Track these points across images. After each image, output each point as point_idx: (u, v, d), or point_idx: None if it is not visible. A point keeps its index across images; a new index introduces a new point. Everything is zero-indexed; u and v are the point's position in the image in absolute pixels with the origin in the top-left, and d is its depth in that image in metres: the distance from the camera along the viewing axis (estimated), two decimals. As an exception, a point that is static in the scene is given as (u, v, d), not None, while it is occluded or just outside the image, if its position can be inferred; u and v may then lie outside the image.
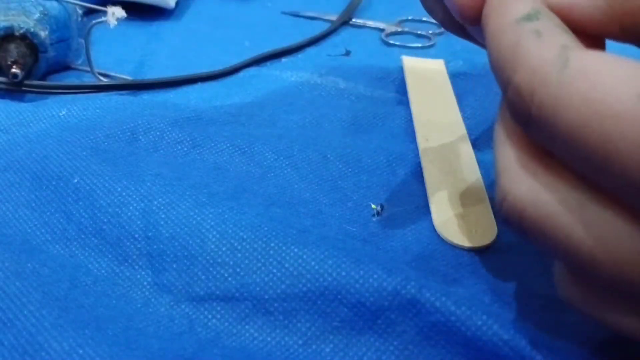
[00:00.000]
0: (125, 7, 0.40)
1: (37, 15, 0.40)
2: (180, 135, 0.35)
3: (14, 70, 0.38)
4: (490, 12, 0.21)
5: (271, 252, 0.26)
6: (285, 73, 0.45)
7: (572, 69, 0.17)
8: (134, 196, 0.29)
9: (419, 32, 0.55)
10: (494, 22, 0.21)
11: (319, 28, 0.54)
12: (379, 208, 0.31)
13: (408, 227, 0.30)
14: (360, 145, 0.36)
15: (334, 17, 0.57)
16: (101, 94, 0.40)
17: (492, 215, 0.30)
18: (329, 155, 0.35)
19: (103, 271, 0.27)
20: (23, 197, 0.30)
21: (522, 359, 0.22)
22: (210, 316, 0.25)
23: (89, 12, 0.47)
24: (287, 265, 0.25)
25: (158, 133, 0.35)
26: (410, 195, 0.32)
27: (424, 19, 0.57)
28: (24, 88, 0.39)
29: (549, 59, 0.18)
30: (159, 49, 0.49)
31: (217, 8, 0.59)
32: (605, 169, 0.17)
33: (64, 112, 0.36)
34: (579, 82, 0.17)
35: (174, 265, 0.26)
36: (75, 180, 0.30)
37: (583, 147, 0.17)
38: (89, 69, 0.42)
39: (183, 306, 0.25)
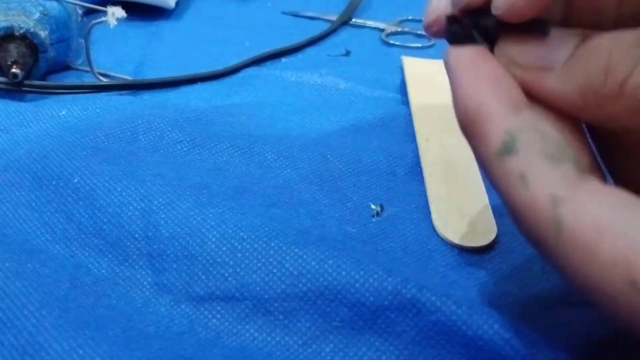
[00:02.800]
0: (125, 7, 0.40)
1: (37, 15, 0.40)
2: (180, 135, 0.35)
3: (14, 70, 0.38)
4: (468, 134, 0.20)
5: (271, 252, 0.26)
6: (285, 73, 0.45)
7: (566, 234, 0.18)
8: (134, 196, 0.29)
9: (419, 32, 0.55)
10: (477, 149, 0.20)
11: (319, 28, 0.54)
12: (378, 208, 0.31)
13: (408, 227, 0.30)
14: (360, 145, 0.36)
15: (334, 17, 0.57)
16: (101, 94, 0.40)
17: (492, 215, 0.30)
18: (328, 156, 0.35)
19: (103, 271, 0.27)
20: (23, 197, 0.30)
21: (522, 359, 0.22)
22: (210, 316, 0.25)
23: (89, 12, 0.47)
24: (287, 265, 0.25)
25: (158, 133, 0.35)
26: (410, 195, 0.32)
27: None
28: (24, 88, 0.39)
29: (543, 221, 0.18)
30: (159, 49, 0.49)
31: (217, 8, 0.59)
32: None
33: (64, 112, 0.36)
34: (575, 254, 0.18)
35: (174, 265, 0.26)
36: (75, 180, 0.30)
37: (584, 294, 0.18)
38: (89, 69, 0.42)
39: (183, 306, 0.25)
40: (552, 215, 0.18)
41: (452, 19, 0.22)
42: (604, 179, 0.20)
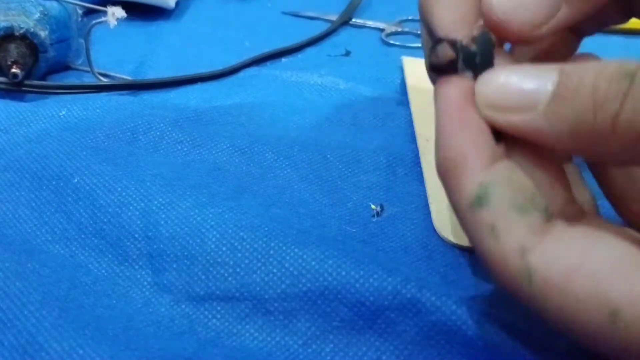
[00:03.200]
0: (125, 7, 0.40)
1: (37, 15, 0.40)
2: (180, 135, 0.35)
3: (14, 70, 0.38)
4: (444, 183, 0.21)
5: (271, 252, 0.26)
6: (285, 73, 0.45)
7: (539, 283, 0.18)
8: (134, 196, 0.29)
9: (419, 32, 0.55)
10: (451, 197, 0.20)
11: (319, 28, 0.54)
12: (378, 208, 0.31)
13: (408, 227, 0.30)
14: (360, 145, 0.36)
15: (334, 17, 0.57)
16: (101, 94, 0.40)
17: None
18: (328, 156, 0.35)
19: (103, 271, 0.27)
20: (23, 197, 0.30)
21: (522, 358, 0.22)
22: (210, 316, 0.25)
23: (89, 12, 0.47)
24: (287, 265, 0.25)
25: (158, 133, 0.35)
26: (410, 195, 0.32)
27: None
28: (24, 88, 0.39)
29: (514, 272, 0.19)
30: (159, 49, 0.49)
31: (217, 8, 0.59)
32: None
33: (64, 112, 0.36)
34: (550, 298, 0.18)
35: (174, 265, 0.26)
36: (75, 180, 0.30)
37: (566, 333, 0.19)
38: (89, 69, 0.42)
39: (183, 306, 0.25)
40: (522, 264, 0.19)
41: (435, 47, 0.22)
42: (580, 212, 0.21)
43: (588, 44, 0.53)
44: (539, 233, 0.19)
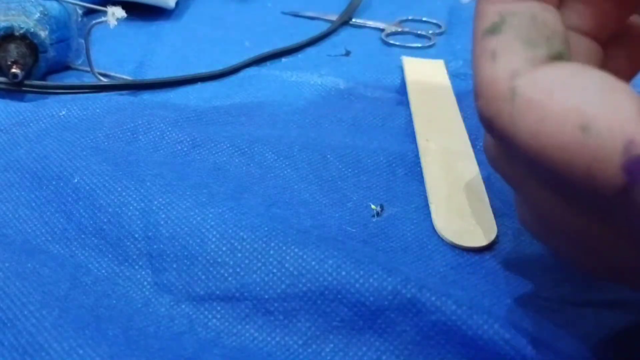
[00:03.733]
0: (125, 7, 0.40)
1: (37, 15, 0.40)
2: (180, 135, 0.35)
3: (14, 70, 0.38)
4: (474, 15, 0.21)
5: (271, 252, 0.26)
6: (285, 73, 0.45)
7: (519, 101, 0.18)
8: (134, 196, 0.29)
9: (419, 32, 0.55)
10: (473, 27, 0.21)
11: (319, 28, 0.54)
12: (378, 209, 0.31)
13: (408, 227, 0.30)
14: (360, 145, 0.36)
15: (334, 17, 0.57)
16: (101, 94, 0.40)
17: (492, 215, 0.30)
18: (328, 156, 0.35)
19: (103, 271, 0.27)
20: (23, 197, 0.30)
21: (523, 358, 0.22)
22: (210, 316, 0.25)
23: (89, 12, 0.47)
24: (287, 265, 0.25)
25: (158, 133, 0.35)
26: (410, 195, 0.32)
27: (424, 19, 0.57)
28: (24, 88, 0.39)
29: (500, 92, 0.19)
30: (159, 49, 0.49)
31: (217, 8, 0.59)
32: (557, 187, 0.19)
33: (64, 112, 0.36)
34: (527, 116, 0.18)
35: (174, 265, 0.26)
36: (75, 180, 0.30)
37: (538, 169, 0.19)
38: (89, 69, 0.42)
39: (183, 306, 0.25)
40: (509, 85, 0.19)
41: None
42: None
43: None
44: (536, 65, 0.19)
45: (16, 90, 0.39)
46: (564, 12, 0.21)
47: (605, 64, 0.22)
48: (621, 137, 0.16)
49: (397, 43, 0.53)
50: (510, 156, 0.21)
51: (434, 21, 0.56)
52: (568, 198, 0.19)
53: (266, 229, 0.27)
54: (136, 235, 0.28)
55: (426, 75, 0.45)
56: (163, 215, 0.28)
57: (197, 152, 0.34)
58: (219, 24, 0.56)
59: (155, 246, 0.27)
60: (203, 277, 0.26)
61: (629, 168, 0.16)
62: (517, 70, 0.19)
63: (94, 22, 0.41)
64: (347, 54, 0.50)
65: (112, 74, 0.43)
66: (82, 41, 0.43)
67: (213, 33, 0.53)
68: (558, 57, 0.19)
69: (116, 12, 0.40)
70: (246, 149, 0.34)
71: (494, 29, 0.20)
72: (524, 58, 0.19)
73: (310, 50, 0.51)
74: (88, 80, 0.42)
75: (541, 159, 0.18)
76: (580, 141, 0.17)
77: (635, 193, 0.17)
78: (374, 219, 0.30)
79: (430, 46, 0.52)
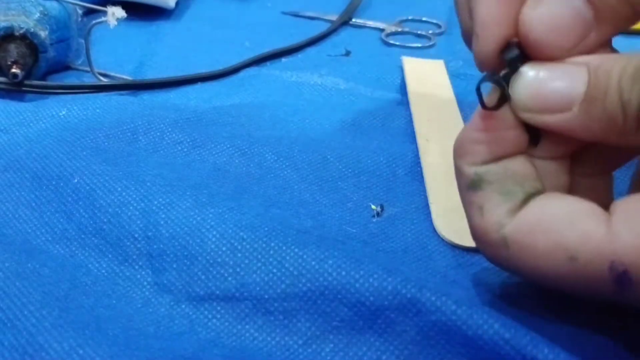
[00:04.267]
0: (125, 7, 0.40)
1: (37, 15, 0.40)
2: (180, 136, 0.35)
3: (14, 70, 0.38)
4: (454, 164, 0.24)
5: (271, 252, 0.26)
6: (285, 73, 0.45)
7: (512, 246, 0.22)
8: (134, 196, 0.29)
9: (419, 32, 0.55)
10: (456, 177, 0.24)
11: (319, 28, 0.54)
12: (378, 209, 0.31)
13: (408, 227, 0.30)
14: (360, 145, 0.36)
15: (334, 17, 0.57)
16: (101, 94, 0.40)
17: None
18: (328, 156, 0.35)
19: (103, 271, 0.27)
20: (23, 197, 0.30)
21: (523, 358, 0.22)
22: (210, 316, 0.25)
23: (89, 12, 0.47)
24: (287, 265, 0.25)
25: (158, 134, 0.35)
26: (410, 195, 0.32)
27: (424, 19, 0.57)
28: (24, 88, 0.39)
29: (493, 241, 0.22)
30: (159, 49, 0.49)
31: (217, 8, 0.59)
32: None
33: (64, 112, 0.36)
34: (521, 257, 0.22)
35: (174, 265, 0.26)
36: (75, 180, 0.30)
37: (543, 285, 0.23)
38: (89, 69, 0.42)
39: (183, 306, 0.25)
40: (499, 235, 0.22)
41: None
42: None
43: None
44: (517, 210, 0.22)
45: (16, 90, 0.39)
46: (579, 165, 0.24)
47: (575, 171, 0.24)
48: (605, 260, 0.20)
49: (397, 43, 0.53)
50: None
51: (434, 21, 0.56)
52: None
53: (266, 229, 0.27)
54: (136, 235, 0.28)
55: (426, 75, 0.45)
56: (163, 215, 0.28)
57: (197, 152, 0.34)
58: (219, 24, 0.56)
59: (155, 246, 0.27)
60: (203, 277, 0.26)
61: (618, 281, 0.20)
62: (502, 222, 0.22)
63: (94, 22, 0.41)
64: (347, 54, 0.50)
65: (112, 74, 0.43)
66: (82, 41, 0.43)
67: (213, 33, 0.53)
68: (532, 196, 0.22)
69: (116, 12, 0.40)
70: (246, 150, 0.34)
71: (475, 186, 0.23)
72: (506, 209, 0.22)
73: (310, 50, 0.51)
74: (88, 80, 0.42)
75: (542, 285, 0.22)
76: (572, 270, 0.20)
77: (628, 295, 0.20)
78: (374, 219, 0.30)
79: (430, 46, 0.52)
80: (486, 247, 0.23)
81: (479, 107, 0.23)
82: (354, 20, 0.57)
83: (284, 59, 0.49)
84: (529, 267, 0.22)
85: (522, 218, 0.22)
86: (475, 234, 0.23)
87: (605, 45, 0.23)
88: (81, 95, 0.40)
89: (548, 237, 0.21)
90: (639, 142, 0.21)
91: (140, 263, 0.27)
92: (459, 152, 0.24)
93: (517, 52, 0.22)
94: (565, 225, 0.21)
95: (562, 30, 0.22)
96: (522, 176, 0.23)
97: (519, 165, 0.23)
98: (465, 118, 0.39)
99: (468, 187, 0.23)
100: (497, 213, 0.22)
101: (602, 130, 0.21)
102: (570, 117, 0.21)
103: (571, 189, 0.24)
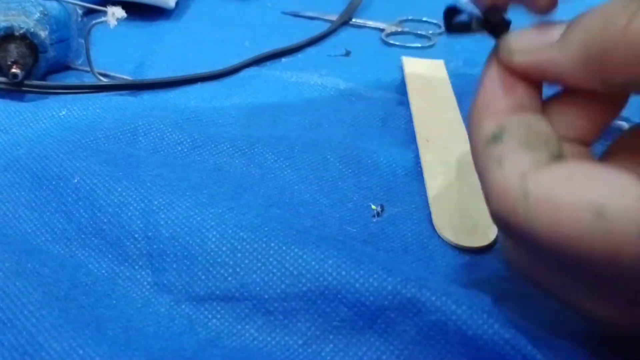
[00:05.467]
0: (125, 7, 0.40)
1: (37, 15, 0.40)
2: (180, 136, 0.35)
3: (14, 70, 0.38)
4: (470, 126, 0.23)
5: (271, 252, 0.26)
6: (285, 73, 0.45)
7: (533, 199, 0.19)
8: (134, 196, 0.29)
9: (419, 32, 0.55)
10: (471, 140, 0.23)
11: (319, 28, 0.54)
12: (379, 209, 0.31)
13: (408, 227, 0.30)
14: (360, 145, 0.36)
15: (334, 17, 0.57)
16: (101, 94, 0.40)
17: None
18: (329, 156, 0.35)
19: (103, 271, 0.27)
20: (23, 197, 0.30)
21: (523, 358, 0.22)
22: (210, 316, 0.25)
23: (89, 12, 0.47)
24: (287, 265, 0.25)
25: (158, 134, 0.35)
26: (410, 195, 0.32)
27: (424, 19, 0.57)
28: (24, 88, 0.39)
29: (512, 193, 0.20)
30: (159, 49, 0.49)
31: (217, 8, 0.59)
32: (576, 278, 0.20)
33: (64, 112, 0.36)
34: (542, 211, 0.19)
35: (174, 265, 0.26)
36: (75, 180, 0.30)
37: (557, 259, 0.20)
38: (89, 69, 0.42)
39: (183, 306, 0.25)
40: (520, 185, 0.20)
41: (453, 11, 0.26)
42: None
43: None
44: (541, 166, 0.20)
45: (16, 90, 0.39)
46: (551, 123, 0.23)
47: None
48: (636, 219, 0.17)
49: (397, 43, 0.53)
50: (530, 252, 0.21)
51: (434, 21, 0.56)
52: (592, 278, 0.20)
53: (266, 229, 0.27)
54: (136, 236, 0.28)
55: (426, 75, 0.45)
56: (163, 216, 0.28)
57: (198, 152, 0.34)
58: (219, 24, 0.56)
59: (155, 246, 0.27)
60: (203, 277, 0.26)
61: None
62: (526, 172, 0.20)
63: (94, 22, 0.41)
64: (347, 54, 0.50)
65: (112, 74, 0.43)
66: (82, 41, 0.43)
67: (213, 33, 0.53)
68: (558, 157, 0.21)
69: (116, 12, 0.40)
70: (246, 150, 0.34)
71: (495, 138, 0.21)
72: (530, 160, 0.20)
73: (310, 50, 0.51)
74: (88, 80, 0.42)
75: (561, 249, 0.19)
76: (597, 228, 0.18)
77: None
78: (374, 219, 0.30)
79: (430, 46, 0.52)
80: (501, 201, 0.20)
81: (494, 57, 0.23)
82: (354, 20, 0.57)
83: (284, 59, 0.49)
84: (547, 225, 0.19)
85: (550, 171, 0.20)
86: (490, 190, 0.21)
87: None
88: (81, 95, 0.40)
89: (575, 191, 0.19)
90: (620, 72, 0.19)
91: (140, 263, 0.27)
92: (479, 105, 0.23)
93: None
94: (597, 180, 0.19)
95: (540, 63, 0.22)
96: (546, 135, 0.21)
97: (542, 124, 0.22)
98: (465, 118, 0.39)
99: (488, 141, 0.22)
100: (520, 163, 0.20)
101: (583, 58, 0.20)
102: (550, 48, 0.21)
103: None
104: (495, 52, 0.23)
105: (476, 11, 0.25)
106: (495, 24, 0.24)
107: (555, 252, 0.19)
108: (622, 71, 0.19)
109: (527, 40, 0.22)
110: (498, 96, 0.22)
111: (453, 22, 0.26)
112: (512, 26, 0.24)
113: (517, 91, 0.22)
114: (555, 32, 0.21)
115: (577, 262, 0.19)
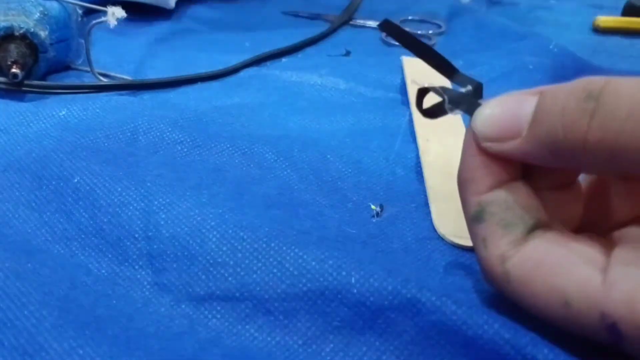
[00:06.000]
0: (125, 7, 0.40)
1: (37, 15, 0.40)
2: (180, 136, 0.35)
3: (14, 70, 0.38)
4: (461, 197, 0.25)
5: (271, 252, 0.26)
6: (285, 73, 0.45)
7: (513, 282, 0.22)
8: (134, 196, 0.29)
9: (419, 32, 0.55)
10: (463, 210, 0.25)
11: (319, 28, 0.54)
12: (378, 209, 0.31)
13: (408, 227, 0.30)
14: (360, 145, 0.36)
15: (334, 17, 0.57)
16: (101, 94, 0.40)
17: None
18: (328, 156, 0.35)
19: (103, 271, 0.27)
20: (23, 197, 0.30)
21: (523, 358, 0.22)
22: (210, 316, 0.25)
23: (88, 12, 0.47)
24: (287, 265, 0.25)
25: (158, 134, 0.35)
26: (410, 195, 0.32)
27: (424, 19, 0.57)
28: (24, 88, 0.39)
29: (497, 274, 0.23)
30: (158, 49, 0.49)
31: (216, 8, 0.59)
32: None
33: (64, 112, 0.36)
34: (521, 294, 0.22)
35: (174, 265, 0.26)
36: (76, 180, 0.30)
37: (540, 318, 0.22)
38: (89, 69, 0.42)
39: (183, 306, 0.25)
40: (502, 268, 0.23)
41: (423, 92, 0.27)
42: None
43: (588, 44, 0.53)
44: (519, 243, 0.23)
45: (16, 90, 0.39)
46: (538, 179, 0.24)
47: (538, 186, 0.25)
48: (596, 310, 0.20)
49: (397, 43, 0.53)
50: None
51: (434, 21, 0.56)
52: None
53: (266, 229, 0.27)
54: (136, 235, 0.28)
55: (426, 76, 0.45)
56: (163, 216, 0.28)
57: (198, 152, 0.34)
58: (219, 24, 0.56)
59: (155, 246, 0.27)
60: (203, 277, 0.26)
61: (610, 331, 0.20)
62: (504, 255, 0.23)
63: (94, 22, 0.41)
64: (347, 54, 0.50)
65: (112, 74, 0.43)
66: (82, 41, 0.43)
67: (213, 33, 0.54)
68: (534, 228, 0.23)
69: (116, 12, 0.40)
70: (246, 150, 0.34)
71: (478, 218, 0.24)
72: (507, 241, 0.23)
73: (310, 50, 0.51)
74: (88, 80, 0.42)
75: (542, 319, 0.22)
76: (566, 314, 0.21)
77: (622, 346, 0.20)
78: (374, 219, 0.30)
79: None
80: (491, 279, 0.23)
81: (472, 134, 0.24)
82: (354, 20, 0.57)
83: (284, 59, 0.49)
84: (527, 304, 0.22)
85: (523, 255, 0.22)
86: (481, 266, 0.24)
87: None
88: (81, 95, 0.40)
89: (545, 280, 0.21)
90: (589, 167, 0.22)
91: (140, 263, 0.27)
92: (462, 181, 0.24)
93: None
94: (562, 270, 0.21)
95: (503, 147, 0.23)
96: (524, 206, 0.23)
97: (520, 193, 0.24)
98: (465, 118, 0.39)
99: (472, 219, 0.24)
100: (499, 246, 0.23)
101: (550, 155, 0.22)
102: (520, 142, 0.22)
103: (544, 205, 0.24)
104: (470, 131, 0.24)
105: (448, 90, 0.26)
106: (468, 103, 0.25)
107: (535, 315, 0.22)
108: (592, 169, 0.22)
109: (495, 128, 0.23)
110: (477, 175, 0.24)
111: (426, 108, 0.27)
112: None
113: (494, 169, 0.24)
114: (524, 121, 0.22)
115: (553, 323, 0.22)
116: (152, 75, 0.44)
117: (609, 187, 0.25)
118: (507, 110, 0.23)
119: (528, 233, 0.23)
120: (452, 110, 0.26)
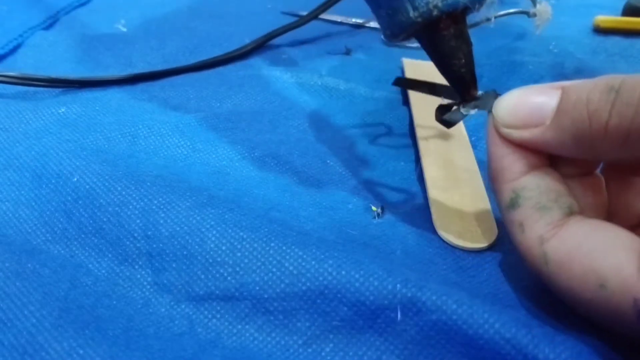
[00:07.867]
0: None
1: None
2: (180, 140, 0.35)
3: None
4: (494, 188, 0.26)
5: (271, 251, 0.26)
6: (285, 74, 0.45)
7: (552, 264, 0.23)
8: (134, 195, 0.29)
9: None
10: (497, 200, 0.26)
11: (319, 28, 0.54)
12: (379, 210, 0.31)
13: (408, 229, 0.30)
14: (360, 146, 0.36)
15: (334, 17, 0.57)
16: (101, 93, 0.40)
17: (492, 216, 0.30)
18: (328, 158, 0.35)
19: (103, 271, 0.27)
20: (23, 196, 0.30)
21: (523, 358, 0.22)
22: (210, 316, 0.25)
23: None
24: (286, 264, 0.25)
25: (159, 137, 0.35)
26: (410, 196, 0.32)
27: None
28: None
29: (536, 257, 0.23)
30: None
31: (216, 8, 0.59)
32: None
33: (63, 110, 0.36)
34: (559, 276, 0.23)
35: (174, 265, 0.26)
36: (75, 179, 0.30)
37: (574, 306, 0.23)
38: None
39: (183, 306, 0.25)
40: (540, 251, 0.23)
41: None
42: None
43: (588, 43, 0.53)
44: (557, 226, 0.23)
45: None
46: (561, 167, 0.26)
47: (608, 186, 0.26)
48: (630, 294, 0.21)
49: (397, 43, 0.53)
50: None
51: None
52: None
53: (266, 229, 0.27)
54: (136, 235, 0.28)
55: (426, 76, 0.45)
56: (163, 215, 0.28)
57: (197, 156, 0.34)
58: (219, 24, 0.56)
59: (155, 245, 0.27)
60: (203, 276, 0.26)
61: None
62: (543, 237, 0.23)
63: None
64: (348, 52, 0.50)
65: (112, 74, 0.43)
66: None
67: (213, 33, 0.53)
68: (569, 213, 0.24)
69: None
70: (246, 154, 0.34)
71: (513, 204, 0.25)
72: (545, 223, 0.24)
73: (310, 50, 0.51)
74: (87, 75, 0.42)
75: (577, 304, 0.23)
76: (600, 297, 0.21)
77: None
78: (375, 221, 0.30)
79: (430, 47, 0.52)
80: (530, 262, 0.24)
81: (493, 123, 0.25)
82: (354, 20, 0.57)
83: (284, 58, 0.49)
84: (563, 286, 0.23)
85: (562, 238, 0.23)
86: (519, 250, 0.24)
87: None
88: (81, 93, 0.40)
89: (583, 261, 0.22)
90: (607, 153, 0.22)
91: (140, 262, 0.27)
92: (494, 172, 0.25)
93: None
94: (600, 254, 0.22)
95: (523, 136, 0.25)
96: (557, 190, 0.24)
97: (552, 178, 0.25)
98: (465, 119, 0.39)
99: (508, 206, 0.25)
100: (536, 229, 0.24)
101: (573, 142, 0.23)
102: (543, 130, 0.24)
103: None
104: (492, 121, 0.25)
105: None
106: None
107: (571, 304, 0.23)
108: (609, 155, 0.23)
109: (519, 115, 0.24)
110: (506, 163, 0.25)
111: (445, 118, 0.29)
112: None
113: (523, 154, 0.25)
114: (546, 107, 0.24)
115: (585, 311, 0.23)
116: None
117: (630, 186, 0.26)
118: (529, 99, 0.24)
119: (564, 217, 0.24)
120: (468, 111, 0.28)
